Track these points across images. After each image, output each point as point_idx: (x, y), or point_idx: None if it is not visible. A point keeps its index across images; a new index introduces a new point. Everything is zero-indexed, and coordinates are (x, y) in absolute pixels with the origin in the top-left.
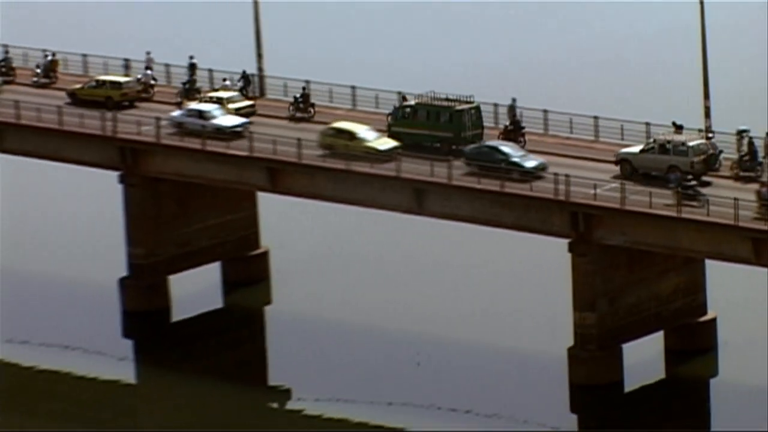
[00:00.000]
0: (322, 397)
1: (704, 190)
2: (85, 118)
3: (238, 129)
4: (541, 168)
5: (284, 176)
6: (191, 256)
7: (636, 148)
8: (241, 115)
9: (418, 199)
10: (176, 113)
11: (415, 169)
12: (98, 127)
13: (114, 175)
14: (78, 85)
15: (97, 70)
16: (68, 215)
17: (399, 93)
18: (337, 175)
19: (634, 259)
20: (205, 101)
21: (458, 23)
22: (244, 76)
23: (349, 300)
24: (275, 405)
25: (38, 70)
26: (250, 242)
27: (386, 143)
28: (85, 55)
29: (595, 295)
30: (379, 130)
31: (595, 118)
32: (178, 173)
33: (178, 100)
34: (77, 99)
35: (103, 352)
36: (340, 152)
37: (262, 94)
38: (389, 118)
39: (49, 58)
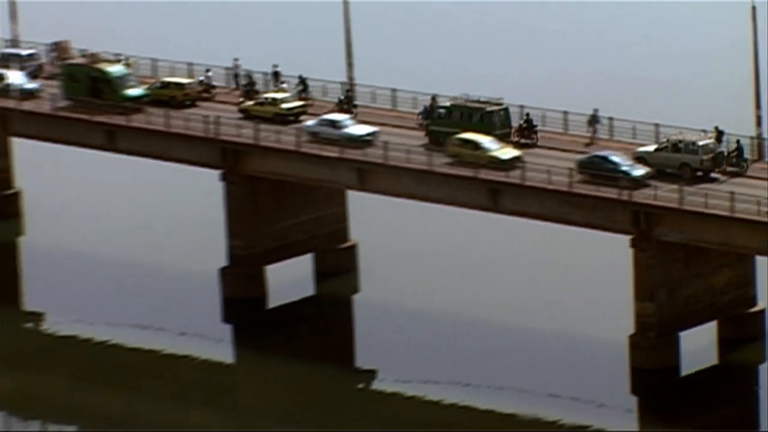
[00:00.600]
0: (405, 378)
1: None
2: (190, 121)
3: (368, 138)
4: (648, 176)
5: (372, 176)
6: (286, 248)
7: (651, 147)
8: (293, 115)
9: (494, 197)
10: (310, 122)
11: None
12: (202, 130)
13: (216, 173)
14: (146, 86)
15: (164, 73)
16: (174, 210)
17: (433, 96)
18: (420, 175)
19: (691, 254)
20: (261, 101)
21: (523, 32)
22: (302, 81)
23: (430, 289)
24: (361, 385)
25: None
26: (340, 236)
27: (508, 153)
28: (154, 60)
29: (655, 287)
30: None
31: (610, 119)
32: (275, 172)
33: (240, 99)
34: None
35: (204, 335)
36: (466, 161)
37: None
38: (419, 116)
39: (123, 62)
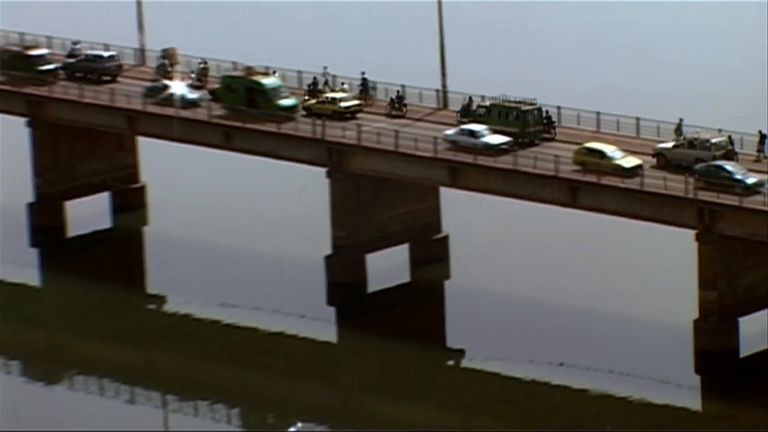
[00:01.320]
0: (490, 357)
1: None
2: (298, 123)
3: (504, 147)
4: (760, 184)
5: (463, 174)
6: (384, 238)
7: (669, 144)
8: (350, 112)
9: (573, 195)
10: (450, 132)
11: (567, 169)
12: (310, 131)
13: (322, 171)
14: (216, 86)
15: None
16: (284, 204)
17: (469, 96)
18: (506, 173)
19: (750, 247)
20: (322, 100)
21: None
22: (363, 81)
23: (514, 276)
24: (451, 362)
25: (193, 76)
26: (433, 228)
27: (630, 162)
28: (234, 63)
29: (717, 276)
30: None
31: (637, 119)
32: (375, 170)
33: (305, 98)
34: (216, 96)
35: (310, 316)
36: (592, 169)
37: (446, 105)
38: (458, 114)
39: (201, 65)
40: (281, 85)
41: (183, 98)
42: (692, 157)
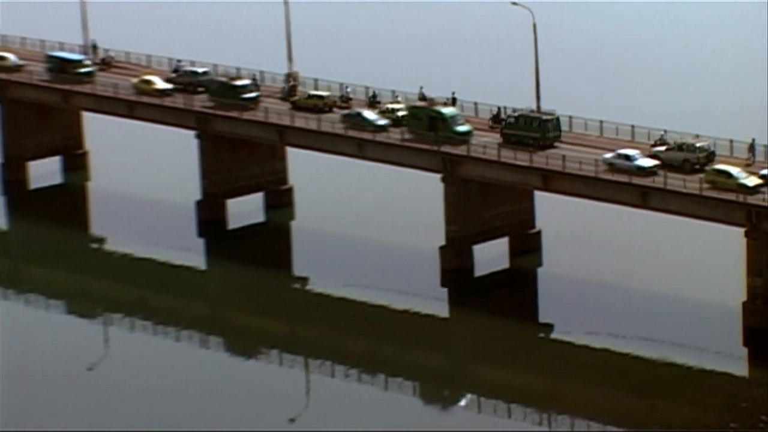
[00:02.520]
0: (577, 330)
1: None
2: (416, 138)
3: (654, 169)
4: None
5: (553, 180)
6: (488, 232)
7: (663, 148)
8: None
9: (644, 198)
10: (608, 156)
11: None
12: (427, 143)
13: (437, 177)
14: (297, 97)
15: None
16: (406, 202)
17: (498, 107)
18: (588, 180)
19: None
20: (383, 110)
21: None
22: (454, 100)
23: (596, 264)
24: (542, 335)
25: (281, 94)
26: (529, 224)
27: (753, 181)
28: (315, 79)
29: (762, 266)
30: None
31: (632, 126)
32: (481, 176)
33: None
34: (297, 106)
35: (427, 295)
36: (720, 187)
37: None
38: (490, 121)
39: (290, 83)
40: (458, 113)
41: (375, 124)
42: (681, 158)
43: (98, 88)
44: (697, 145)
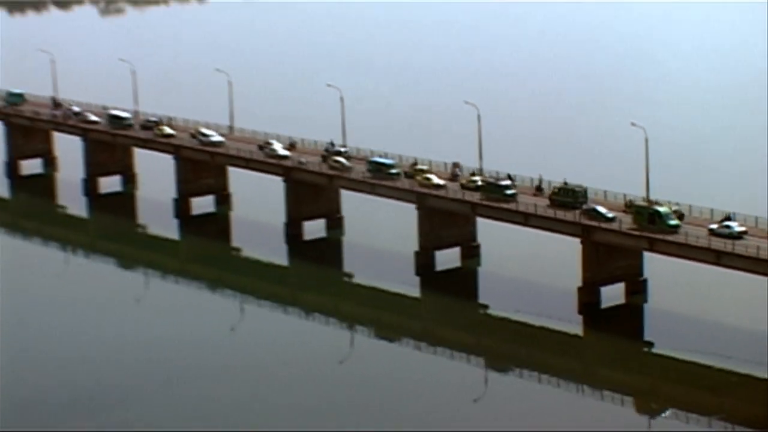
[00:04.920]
0: (673, 347)
1: None
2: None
3: (742, 235)
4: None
5: (657, 244)
6: (611, 278)
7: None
8: (476, 187)
9: (718, 257)
10: (714, 226)
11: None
12: (570, 217)
13: (576, 240)
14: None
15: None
16: (546, 260)
17: (540, 176)
18: (680, 245)
19: None
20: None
21: None
22: (509, 177)
23: (686, 301)
24: (646, 349)
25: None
26: (638, 274)
27: None
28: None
29: None
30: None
31: (624, 195)
32: (608, 242)
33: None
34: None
35: (567, 320)
36: None
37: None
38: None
39: (456, 167)
40: (670, 212)
41: (594, 210)
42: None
43: (353, 174)
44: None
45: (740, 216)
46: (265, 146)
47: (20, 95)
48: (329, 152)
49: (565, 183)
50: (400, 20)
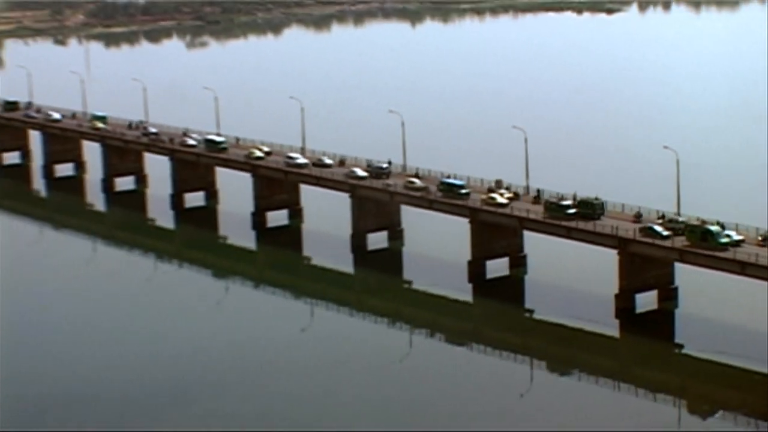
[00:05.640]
0: (701, 349)
1: None
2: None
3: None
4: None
5: (686, 255)
6: (646, 287)
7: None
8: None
9: (743, 268)
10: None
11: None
12: (608, 230)
13: (613, 252)
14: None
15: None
16: (584, 270)
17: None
18: (707, 257)
19: None
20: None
21: None
22: (537, 193)
23: (711, 308)
24: (677, 351)
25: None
26: (670, 282)
27: None
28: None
29: None
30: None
31: (628, 207)
32: (643, 253)
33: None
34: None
35: (605, 323)
36: None
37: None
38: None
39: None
40: (720, 232)
41: (661, 234)
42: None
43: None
44: (680, 219)
45: (742, 226)
46: (318, 163)
47: (103, 117)
48: (372, 169)
49: (574, 197)
50: (457, 49)
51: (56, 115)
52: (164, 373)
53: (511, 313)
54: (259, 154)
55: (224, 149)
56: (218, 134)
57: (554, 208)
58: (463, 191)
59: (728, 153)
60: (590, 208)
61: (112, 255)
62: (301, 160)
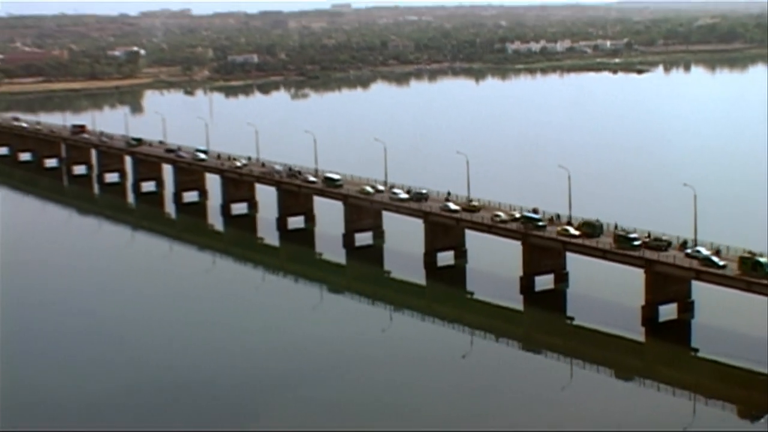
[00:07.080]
0: (713, 352)
1: None
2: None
3: None
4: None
5: (702, 275)
6: (668, 300)
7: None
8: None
9: (749, 287)
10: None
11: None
12: (636, 252)
13: (640, 270)
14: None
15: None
16: (613, 285)
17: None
18: (716, 276)
19: None
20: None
21: None
22: (534, 210)
23: (726, 320)
24: (692, 354)
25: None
26: (687, 296)
27: None
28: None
29: None
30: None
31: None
32: (671, 273)
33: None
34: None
35: (632, 330)
36: None
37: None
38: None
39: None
40: (767, 262)
41: (708, 259)
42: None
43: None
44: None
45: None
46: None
47: (205, 151)
48: (412, 195)
49: (649, 234)
50: (513, 101)
51: (202, 156)
52: (271, 363)
53: (554, 320)
54: (369, 189)
55: (340, 186)
56: (334, 172)
57: (623, 239)
58: (541, 224)
59: (739, 186)
60: (591, 229)
61: (228, 267)
62: (403, 195)
